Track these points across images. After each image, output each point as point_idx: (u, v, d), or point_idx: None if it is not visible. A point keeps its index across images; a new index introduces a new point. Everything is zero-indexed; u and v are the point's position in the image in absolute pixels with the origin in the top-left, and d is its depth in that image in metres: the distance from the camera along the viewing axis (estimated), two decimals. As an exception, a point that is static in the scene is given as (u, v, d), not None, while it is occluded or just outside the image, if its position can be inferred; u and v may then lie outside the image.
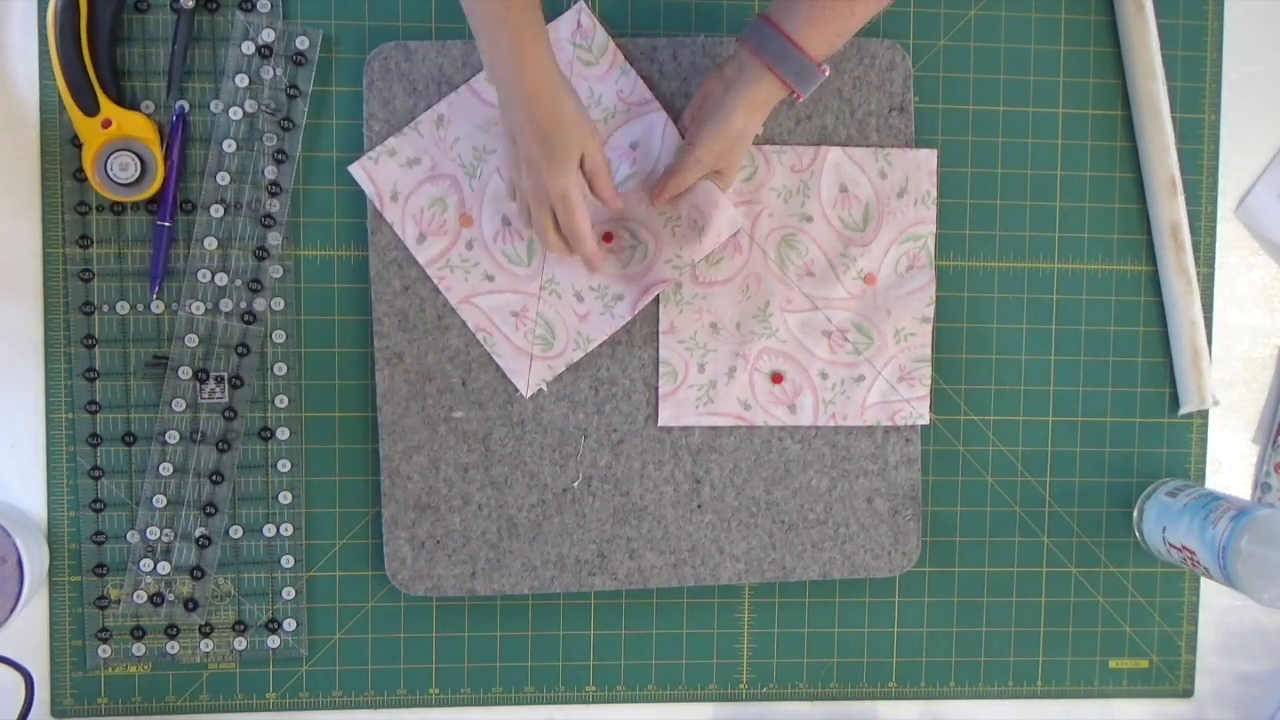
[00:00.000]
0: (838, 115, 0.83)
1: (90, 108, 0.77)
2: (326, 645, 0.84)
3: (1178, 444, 0.89)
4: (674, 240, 0.82)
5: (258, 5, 0.80)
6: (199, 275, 0.81)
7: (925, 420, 0.85)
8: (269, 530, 0.83)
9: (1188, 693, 0.90)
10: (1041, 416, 0.87)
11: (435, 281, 0.81)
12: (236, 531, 0.82)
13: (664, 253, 0.82)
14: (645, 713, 0.86)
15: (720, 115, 0.75)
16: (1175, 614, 0.89)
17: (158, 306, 0.81)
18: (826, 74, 0.74)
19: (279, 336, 0.82)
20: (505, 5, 0.66)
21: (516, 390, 0.83)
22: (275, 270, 0.82)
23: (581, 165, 0.73)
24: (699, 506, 0.84)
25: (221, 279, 0.81)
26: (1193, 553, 0.81)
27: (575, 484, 0.83)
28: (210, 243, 0.81)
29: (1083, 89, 0.86)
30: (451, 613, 0.85)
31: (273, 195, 0.81)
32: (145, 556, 0.82)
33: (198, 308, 0.81)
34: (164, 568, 0.82)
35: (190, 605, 0.82)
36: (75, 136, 0.79)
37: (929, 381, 0.85)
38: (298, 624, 0.83)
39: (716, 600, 0.86)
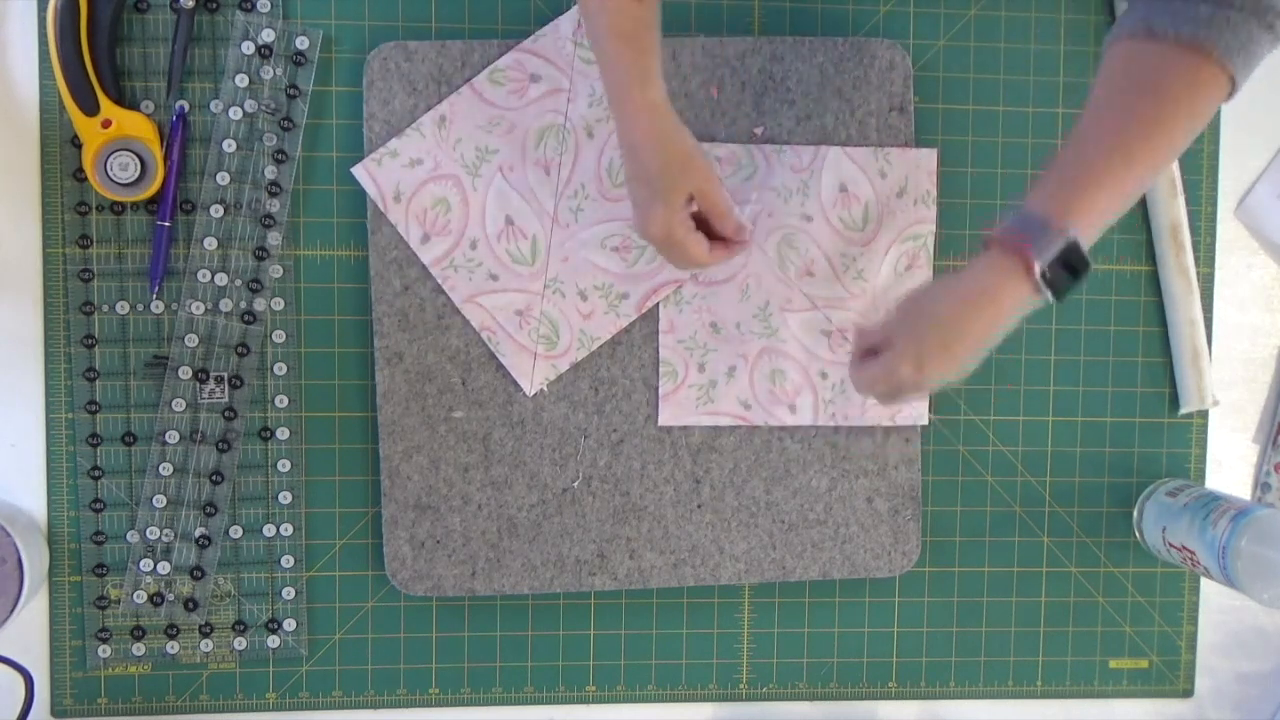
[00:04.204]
0: (838, 115, 0.83)
1: (90, 108, 0.77)
2: (326, 645, 0.84)
3: (1178, 444, 0.89)
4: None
5: (258, 5, 0.80)
6: (199, 275, 0.81)
7: (924, 420, 0.85)
8: (269, 530, 0.83)
9: (1188, 693, 0.90)
10: (1041, 416, 0.87)
11: (439, 281, 0.81)
12: (236, 531, 0.82)
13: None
14: (645, 713, 0.86)
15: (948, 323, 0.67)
16: (1175, 614, 0.89)
17: (158, 306, 0.81)
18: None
19: (279, 336, 0.82)
20: (618, 52, 0.68)
21: (517, 390, 0.83)
22: (275, 270, 0.82)
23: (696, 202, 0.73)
24: (699, 506, 0.84)
25: (221, 279, 0.81)
26: (1193, 553, 0.81)
27: (575, 484, 0.83)
28: (210, 243, 0.81)
29: (1082, 89, 0.86)
30: (451, 613, 0.85)
31: (273, 195, 0.81)
32: (145, 556, 0.82)
33: (198, 308, 0.81)
34: (164, 568, 0.82)
35: (190, 605, 0.82)
36: (75, 136, 0.79)
37: (929, 381, 0.85)
38: (298, 624, 0.83)
39: (716, 600, 0.86)
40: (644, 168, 0.71)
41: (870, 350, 0.71)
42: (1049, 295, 0.65)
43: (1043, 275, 0.64)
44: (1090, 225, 0.64)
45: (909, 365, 0.68)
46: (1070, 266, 0.64)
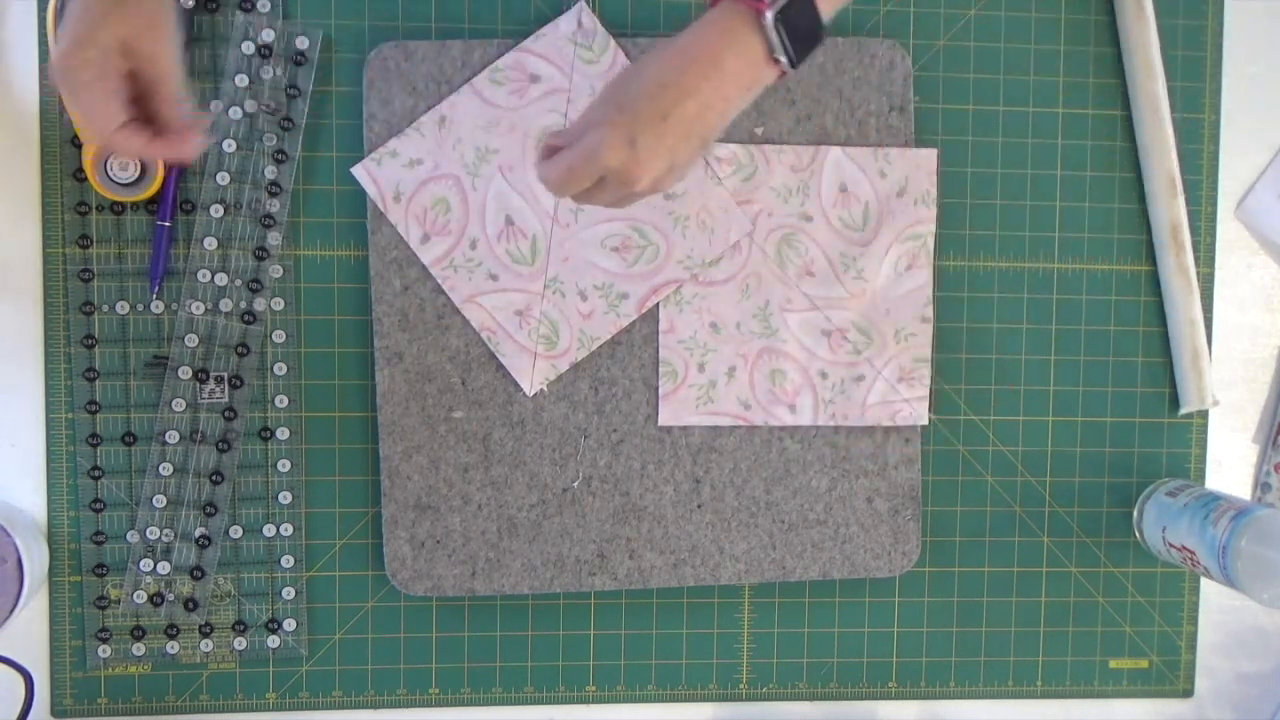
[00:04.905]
0: (838, 115, 0.83)
1: (90, 107, 0.77)
2: (326, 645, 0.84)
3: (1178, 444, 0.89)
4: (684, 241, 0.82)
5: (258, 5, 0.80)
6: (199, 275, 0.81)
7: (925, 421, 0.85)
8: (269, 530, 0.83)
9: (1188, 693, 0.90)
10: (1041, 416, 0.87)
11: (439, 281, 0.81)
12: (236, 531, 0.82)
13: (675, 253, 0.82)
14: (645, 713, 0.86)
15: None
16: (1175, 614, 0.89)
17: (158, 306, 0.81)
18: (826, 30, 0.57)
19: (279, 336, 0.82)
20: None
21: (516, 390, 0.83)
22: (275, 270, 0.82)
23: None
24: (699, 506, 0.84)
25: (221, 279, 0.81)
26: (1193, 553, 0.81)
27: (575, 484, 0.83)
28: (210, 243, 0.81)
29: (1083, 89, 0.86)
30: (451, 613, 0.85)
31: (273, 195, 0.81)
32: (145, 556, 0.82)
33: (198, 308, 0.81)
34: (164, 568, 0.82)
35: (190, 605, 0.82)
36: (75, 136, 0.79)
37: (929, 382, 0.85)
38: (298, 624, 0.83)
39: (716, 600, 0.86)
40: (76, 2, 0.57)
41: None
42: (783, 56, 0.58)
43: (776, 25, 0.57)
44: None
45: (618, 143, 0.57)
46: (803, 27, 0.58)
